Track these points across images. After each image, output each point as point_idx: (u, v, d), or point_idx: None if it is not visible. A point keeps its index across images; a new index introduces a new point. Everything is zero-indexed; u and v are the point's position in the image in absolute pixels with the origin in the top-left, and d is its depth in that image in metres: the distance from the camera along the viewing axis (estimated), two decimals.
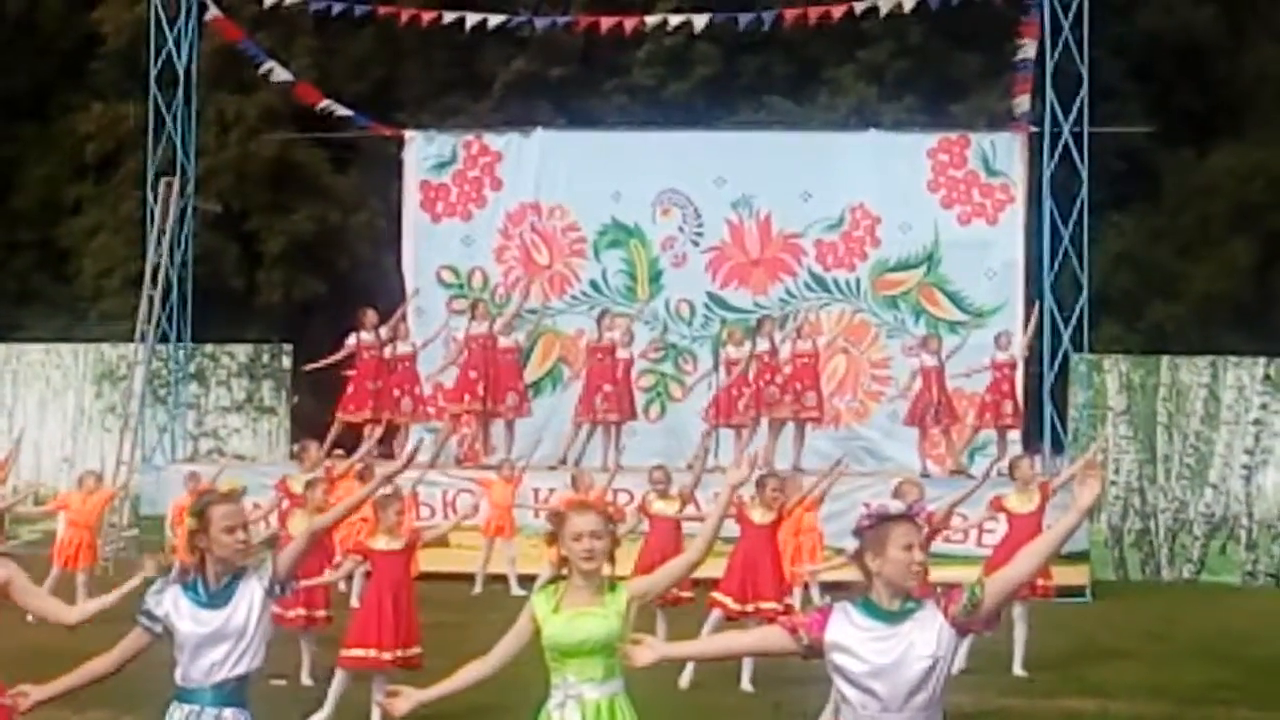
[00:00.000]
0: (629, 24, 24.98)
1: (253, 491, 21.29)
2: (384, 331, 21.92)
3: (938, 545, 14.27)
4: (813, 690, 5.19)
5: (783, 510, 13.99)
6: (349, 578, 14.68)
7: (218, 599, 6.22)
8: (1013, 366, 21.47)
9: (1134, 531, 22.81)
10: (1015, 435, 21.99)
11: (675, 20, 25.03)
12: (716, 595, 13.57)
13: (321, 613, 14.11)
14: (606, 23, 24.98)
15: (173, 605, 6.27)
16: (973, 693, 12.61)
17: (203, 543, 6.29)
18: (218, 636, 6.19)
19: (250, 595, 6.24)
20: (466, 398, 21.90)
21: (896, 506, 5.63)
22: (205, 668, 6.19)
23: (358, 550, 12.08)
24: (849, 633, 5.46)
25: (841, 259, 24.19)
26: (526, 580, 18.71)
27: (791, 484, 14.76)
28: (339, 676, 11.74)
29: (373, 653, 11.46)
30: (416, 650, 11.56)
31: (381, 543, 11.65)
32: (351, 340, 21.82)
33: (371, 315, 22.07)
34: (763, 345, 21.21)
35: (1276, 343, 24.56)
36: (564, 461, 21.39)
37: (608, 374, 21.55)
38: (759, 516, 13.62)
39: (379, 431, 21.08)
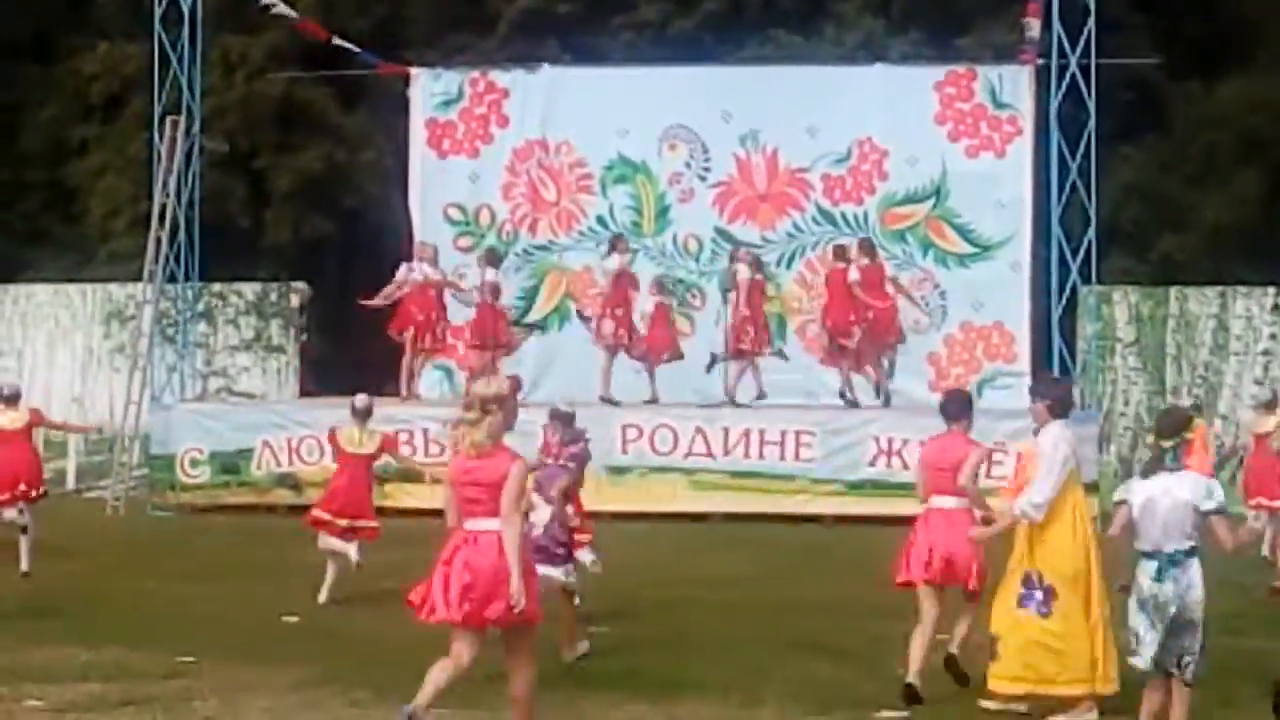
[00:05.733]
0: None
1: (262, 430, 21.68)
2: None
3: None
4: None
5: None
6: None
7: None
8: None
9: (1143, 462, 22.73)
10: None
11: None
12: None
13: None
14: None
15: None
16: None
17: None
18: None
19: None
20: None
21: None
22: None
23: None
24: None
25: (849, 193, 24.18)
26: None
27: None
28: None
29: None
30: None
31: None
32: (402, 270, 21.88)
33: (428, 249, 22.19)
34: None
35: None
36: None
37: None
38: None
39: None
